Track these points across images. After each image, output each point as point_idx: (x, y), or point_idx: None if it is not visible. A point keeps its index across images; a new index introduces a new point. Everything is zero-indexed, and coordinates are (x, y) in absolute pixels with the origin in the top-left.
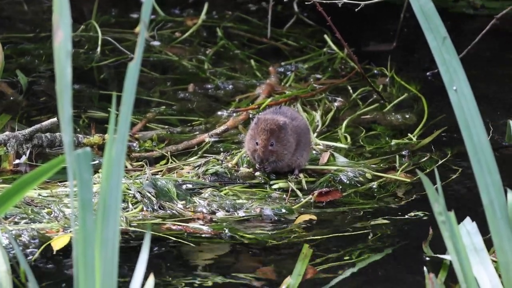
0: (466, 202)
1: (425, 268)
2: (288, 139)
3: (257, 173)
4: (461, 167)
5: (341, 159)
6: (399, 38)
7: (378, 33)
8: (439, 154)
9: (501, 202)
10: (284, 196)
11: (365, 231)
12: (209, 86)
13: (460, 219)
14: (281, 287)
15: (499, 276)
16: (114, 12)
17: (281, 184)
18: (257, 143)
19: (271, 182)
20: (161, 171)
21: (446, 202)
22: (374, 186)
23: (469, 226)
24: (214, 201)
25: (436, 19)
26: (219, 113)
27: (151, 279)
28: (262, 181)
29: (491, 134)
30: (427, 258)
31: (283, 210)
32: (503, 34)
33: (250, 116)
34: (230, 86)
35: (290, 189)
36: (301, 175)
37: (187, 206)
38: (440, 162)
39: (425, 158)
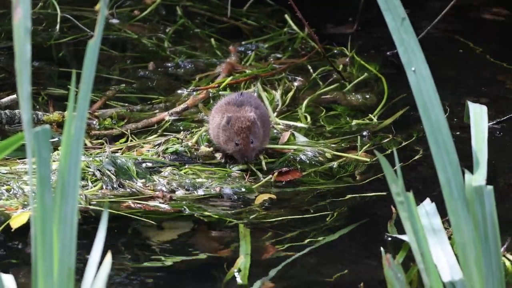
0: (427, 183)
1: (381, 249)
2: (260, 132)
3: (217, 154)
4: (422, 149)
5: (301, 139)
6: (360, 19)
7: (339, 14)
8: (401, 136)
9: (458, 182)
10: (244, 175)
11: (325, 211)
12: (169, 64)
13: (420, 200)
14: (234, 269)
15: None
16: None
17: (240, 165)
18: (236, 144)
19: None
20: (120, 149)
21: (407, 183)
22: (334, 166)
23: (428, 207)
24: (174, 180)
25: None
26: (179, 91)
27: (108, 258)
28: (222, 160)
29: (447, 113)
30: (389, 239)
31: (243, 189)
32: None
33: (210, 95)
34: (190, 65)
35: (248, 170)
36: (261, 156)
37: (147, 185)
38: (404, 143)
39: (387, 140)
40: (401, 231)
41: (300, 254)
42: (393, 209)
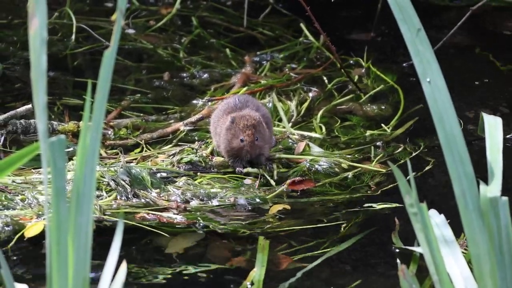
0: (440, 194)
1: (398, 261)
2: (265, 132)
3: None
4: (435, 159)
5: (316, 149)
6: (377, 29)
7: (355, 23)
8: (413, 146)
9: (473, 194)
10: (254, 182)
11: (338, 221)
12: (185, 74)
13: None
14: (246, 282)
15: (470, 267)
16: (88, 0)
17: (253, 173)
18: (241, 140)
19: (244, 171)
20: (135, 159)
21: (420, 193)
22: (348, 177)
23: (437, 218)
24: (188, 190)
25: (410, 10)
26: (194, 101)
27: (123, 267)
28: (237, 169)
29: (462, 126)
30: (397, 250)
31: (257, 200)
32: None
33: None
34: (206, 75)
35: (259, 176)
36: (274, 165)
37: (161, 195)
38: (414, 154)
39: (400, 149)
40: (407, 241)
41: (314, 265)
42: (397, 221)
